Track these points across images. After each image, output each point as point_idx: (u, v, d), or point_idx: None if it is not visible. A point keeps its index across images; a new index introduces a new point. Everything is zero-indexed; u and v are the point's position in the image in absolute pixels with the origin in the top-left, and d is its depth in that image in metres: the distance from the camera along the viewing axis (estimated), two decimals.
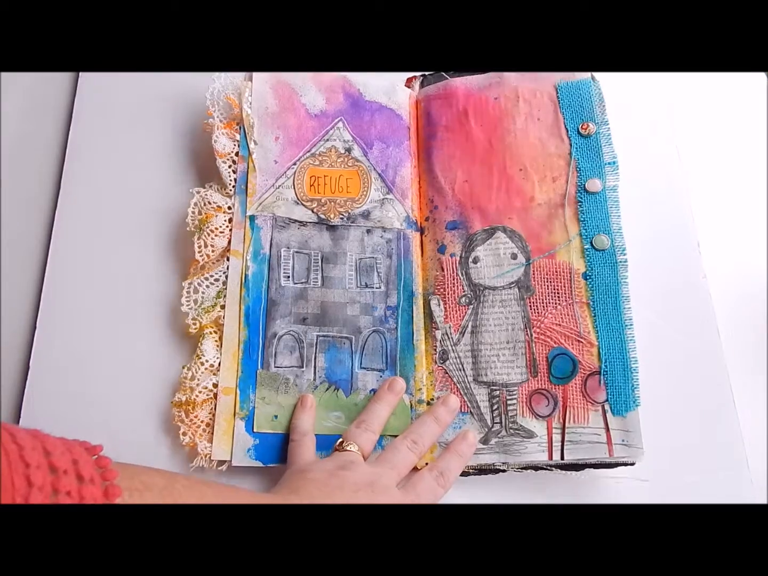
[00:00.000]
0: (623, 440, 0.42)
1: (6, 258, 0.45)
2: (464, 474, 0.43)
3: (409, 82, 0.53)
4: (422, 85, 0.52)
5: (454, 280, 0.46)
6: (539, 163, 0.48)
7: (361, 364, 0.45)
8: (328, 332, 0.45)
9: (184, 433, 0.42)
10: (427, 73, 0.52)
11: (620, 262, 0.45)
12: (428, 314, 0.46)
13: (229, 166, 0.47)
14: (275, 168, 0.48)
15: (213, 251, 0.45)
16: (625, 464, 0.42)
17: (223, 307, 0.44)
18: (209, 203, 0.46)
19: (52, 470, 0.24)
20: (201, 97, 0.49)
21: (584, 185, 0.47)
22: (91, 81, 0.53)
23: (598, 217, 0.46)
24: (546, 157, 0.48)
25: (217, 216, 0.45)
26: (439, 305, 0.46)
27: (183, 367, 0.43)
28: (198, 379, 0.43)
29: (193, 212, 0.45)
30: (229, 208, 0.46)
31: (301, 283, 0.46)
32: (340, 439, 0.41)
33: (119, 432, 0.42)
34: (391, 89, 0.52)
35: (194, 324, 0.44)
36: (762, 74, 0.56)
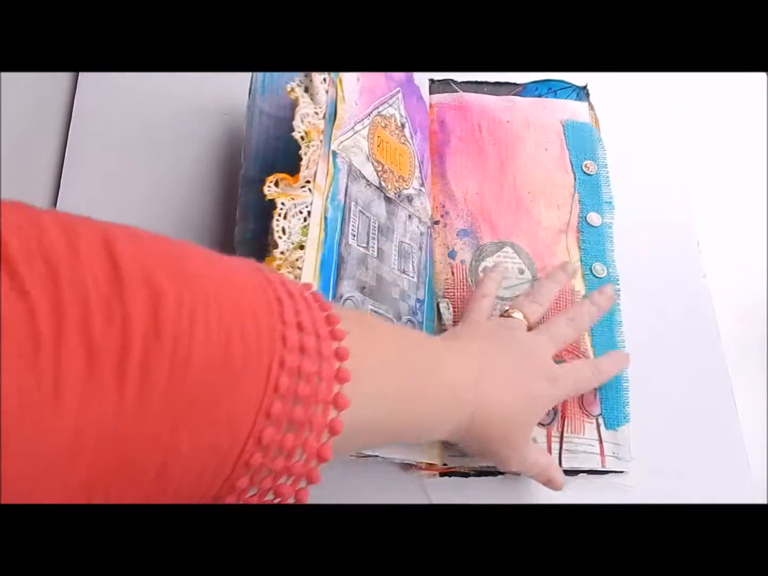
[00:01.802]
0: (614, 453, 0.43)
1: None
2: (464, 475, 0.43)
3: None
4: (430, 90, 0.53)
5: (463, 286, 0.47)
6: (546, 189, 0.50)
7: None
8: (378, 308, 0.42)
9: None
10: (435, 78, 0.53)
11: (616, 290, 0.47)
12: (438, 316, 0.46)
13: (321, 83, 0.41)
14: (356, 110, 0.44)
15: (304, 177, 0.39)
16: (615, 472, 0.43)
17: (302, 247, 0.38)
18: (309, 115, 0.40)
19: (290, 295, 0.26)
20: (201, 97, 0.49)
21: (585, 217, 0.49)
22: (91, 81, 0.53)
23: (596, 248, 0.49)
24: (553, 186, 0.50)
25: (315, 138, 0.40)
26: (448, 308, 0.46)
27: None
28: None
29: (298, 118, 0.39)
30: (322, 131, 0.40)
31: (363, 247, 0.42)
32: (507, 308, 0.43)
33: None
34: (425, 83, 0.51)
35: (280, 259, 0.37)
36: (762, 74, 0.56)
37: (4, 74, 0.44)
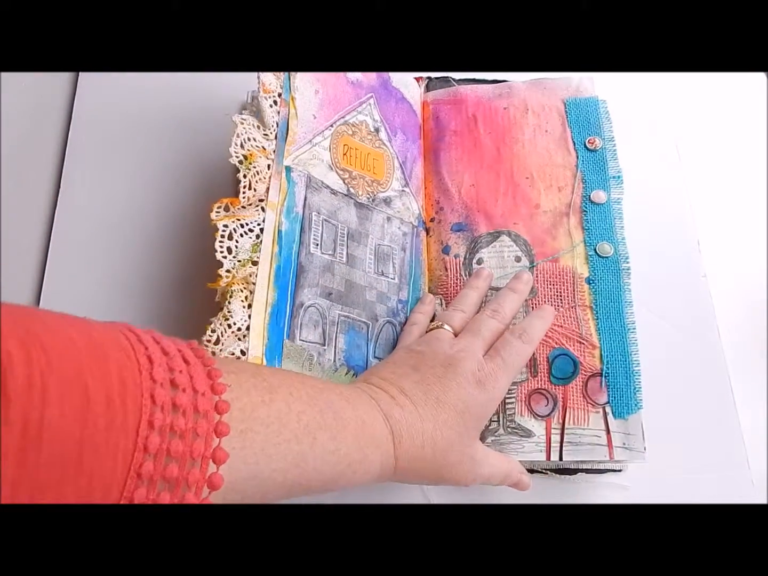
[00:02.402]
0: (624, 443, 0.41)
1: (6, 258, 0.45)
2: None
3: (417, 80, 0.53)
4: (428, 88, 0.53)
5: (457, 280, 0.46)
6: (546, 172, 0.49)
7: (374, 353, 0.43)
8: (349, 313, 0.43)
9: None
10: (432, 75, 0.53)
11: (623, 269, 0.45)
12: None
13: (271, 106, 0.43)
14: (314, 124, 0.45)
15: (254, 195, 0.40)
16: (613, 470, 0.43)
17: (255, 263, 0.39)
18: (252, 139, 0.41)
19: (164, 353, 0.26)
20: (201, 97, 0.49)
21: (589, 196, 0.47)
22: (91, 81, 0.53)
23: (602, 227, 0.47)
24: (553, 167, 0.49)
25: (260, 158, 0.41)
26: (441, 305, 0.46)
27: (206, 328, 0.38)
28: (223, 344, 0.38)
29: (236, 144, 0.40)
30: (274, 151, 0.42)
31: (329, 254, 0.43)
32: (432, 322, 0.43)
33: None
34: (409, 83, 0.51)
35: (227, 276, 0.38)
36: (762, 74, 0.56)
37: (4, 74, 0.44)
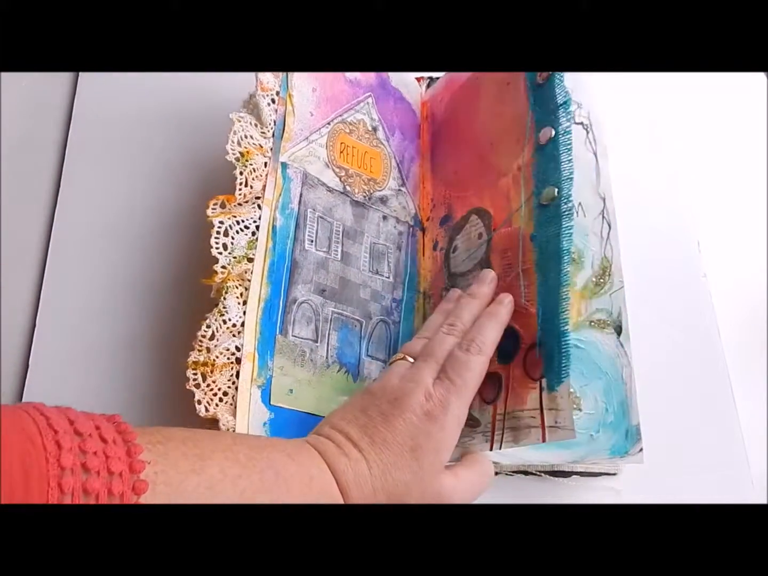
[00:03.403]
0: (556, 421, 0.36)
1: (6, 257, 0.45)
2: None
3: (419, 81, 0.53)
4: (428, 88, 0.53)
5: (439, 273, 0.46)
6: (505, 130, 0.44)
7: (367, 351, 0.44)
8: (343, 310, 0.43)
9: (199, 402, 0.36)
10: (434, 75, 0.53)
11: (564, 212, 0.39)
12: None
13: (268, 104, 0.43)
14: (310, 121, 0.45)
15: (250, 192, 0.41)
16: (608, 474, 0.42)
17: (251, 260, 0.40)
18: (249, 137, 0.42)
19: (78, 434, 0.25)
20: (201, 97, 0.49)
21: (538, 137, 0.42)
22: (91, 81, 0.53)
23: (548, 170, 0.41)
24: (511, 121, 0.44)
25: (257, 155, 0.41)
26: (429, 303, 0.46)
27: (203, 323, 0.38)
28: (218, 339, 0.38)
29: (233, 141, 0.41)
30: (270, 149, 0.43)
31: (323, 251, 0.44)
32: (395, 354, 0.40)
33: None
34: (409, 83, 0.52)
35: (223, 272, 0.38)
36: (762, 74, 0.56)
37: (4, 74, 0.44)
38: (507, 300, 0.39)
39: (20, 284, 0.47)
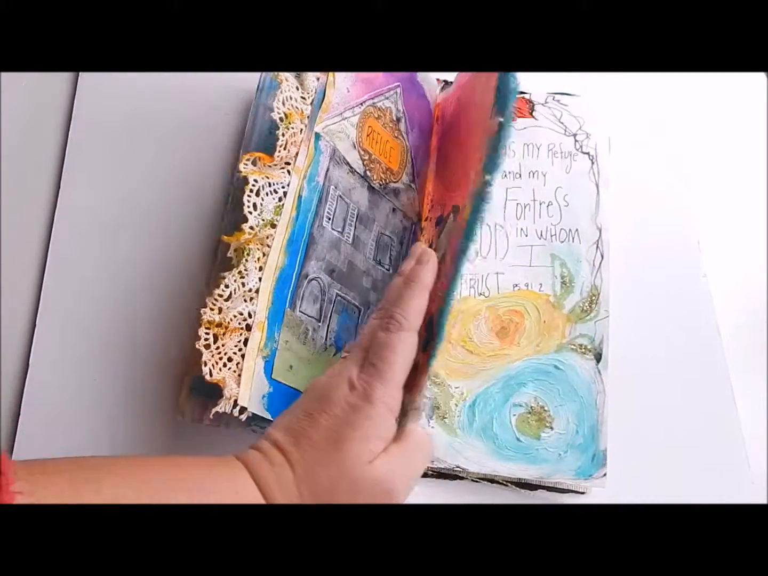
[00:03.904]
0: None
1: (6, 258, 0.45)
2: (423, 475, 0.41)
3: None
4: (443, 90, 0.52)
5: None
6: (482, 128, 0.42)
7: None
8: (346, 294, 0.43)
9: (205, 363, 0.35)
10: (448, 78, 0.52)
11: (482, 196, 0.36)
12: None
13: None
14: (346, 96, 0.45)
15: (286, 157, 0.40)
16: (576, 492, 0.43)
17: (274, 226, 0.39)
18: (293, 99, 0.41)
19: None
20: (200, 97, 0.49)
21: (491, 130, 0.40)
22: (91, 81, 0.53)
23: (489, 160, 0.37)
24: (486, 118, 0.41)
25: (297, 120, 0.41)
26: None
27: (220, 280, 0.37)
28: (233, 301, 0.37)
29: (279, 101, 0.40)
30: (308, 117, 0.42)
31: (338, 231, 0.43)
32: None
33: (119, 421, 0.42)
34: (431, 81, 0.51)
35: (250, 233, 0.37)
36: (762, 74, 0.56)
37: (4, 74, 0.44)
38: (427, 258, 0.36)
39: (20, 284, 0.47)
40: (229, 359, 0.36)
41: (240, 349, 0.37)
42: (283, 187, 0.40)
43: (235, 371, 0.36)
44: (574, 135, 0.50)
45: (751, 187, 0.53)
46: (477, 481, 0.43)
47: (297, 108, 0.41)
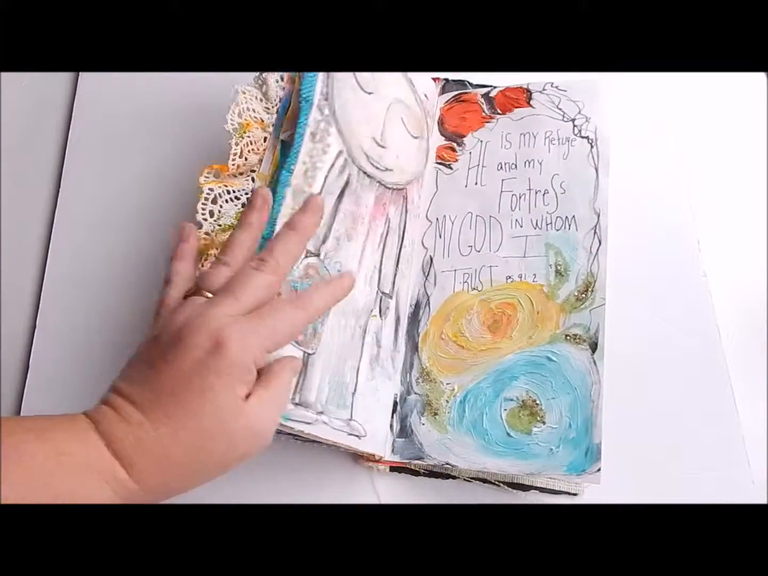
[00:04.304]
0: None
1: (6, 257, 0.45)
2: (415, 473, 0.43)
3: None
4: (443, 90, 0.52)
5: None
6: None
7: None
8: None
9: None
10: (450, 78, 0.52)
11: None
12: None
13: (276, 81, 0.43)
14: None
15: (244, 164, 0.41)
16: (568, 493, 0.42)
17: None
18: (252, 110, 0.41)
19: None
20: (201, 97, 0.49)
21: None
22: (91, 81, 0.53)
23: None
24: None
25: (257, 129, 0.41)
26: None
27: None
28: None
29: (233, 113, 0.41)
30: (272, 124, 0.42)
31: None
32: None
33: None
34: (424, 80, 0.51)
35: (206, 239, 0.38)
36: (762, 74, 0.56)
37: (4, 74, 0.44)
38: (312, 204, 0.36)
39: (21, 284, 0.47)
40: None
41: None
42: (246, 193, 0.41)
43: None
44: (573, 120, 0.49)
45: (751, 187, 0.53)
46: (469, 481, 0.43)
47: (257, 117, 0.42)
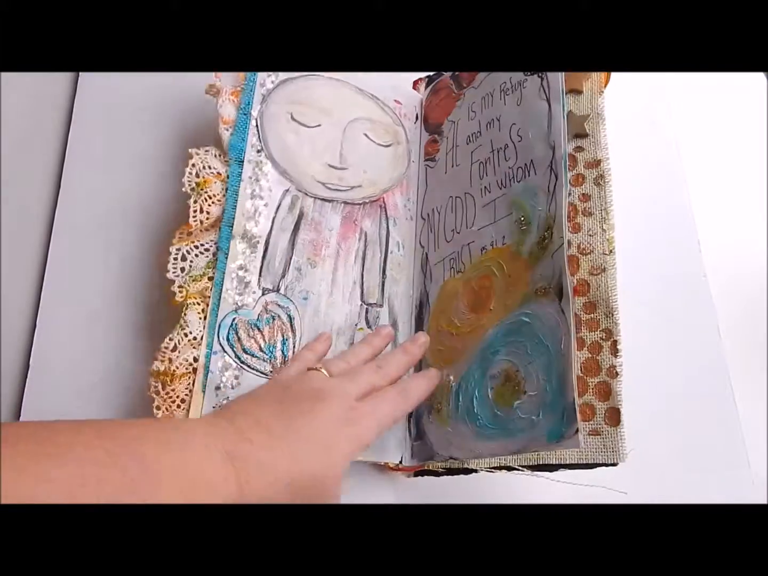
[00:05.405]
0: None
1: (6, 258, 0.45)
2: (434, 474, 0.42)
3: (416, 85, 0.53)
4: (427, 86, 0.52)
5: None
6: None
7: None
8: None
9: (158, 407, 0.39)
10: (431, 74, 0.52)
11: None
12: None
13: (227, 130, 0.45)
14: None
15: (207, 218, 0.43)
16: (605, 465, 0.36)
17: (211, 278, 0.42)
18: (208, 167, 0.44)
19: None
20: (201, 97, 0.49)
21: None
22: (91, 81, 0.53)
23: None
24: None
25: (215, 183, 0.44)
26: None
27: (167, 338, 0.41)
28: (179, 351, 0.40)
29: (191, 173, 0.43)
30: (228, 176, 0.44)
31: None
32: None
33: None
34: (405, 92, 0.52)
35: (180, 292, 0.41)
36: (762, 74, 0.56)
37: (4, 74, 0.44)
38: (437, 372, 0.42)
39: (21, 284, 0.47)
40: (182, 401, 0.40)
41: (190, 391, 0.40)
42: (214, 242, 0.43)
43: (186, 410, 0.40)
44: None
45: (751, 187, 0.53)
46: (492, 471, 0.40)
47: (214, 172, 0.44)
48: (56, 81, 0.52)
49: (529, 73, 0.44)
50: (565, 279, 0.37)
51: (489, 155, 0.44)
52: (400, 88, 0.51)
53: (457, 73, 0.50)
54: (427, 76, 0.52)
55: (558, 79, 0.42)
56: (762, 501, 0.43)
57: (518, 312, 0.39)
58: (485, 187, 0.44)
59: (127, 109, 0.52)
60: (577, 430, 0.34)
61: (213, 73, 0.48)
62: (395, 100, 0.51)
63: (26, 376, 0.45)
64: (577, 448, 0.35)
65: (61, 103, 0.52)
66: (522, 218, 0.41)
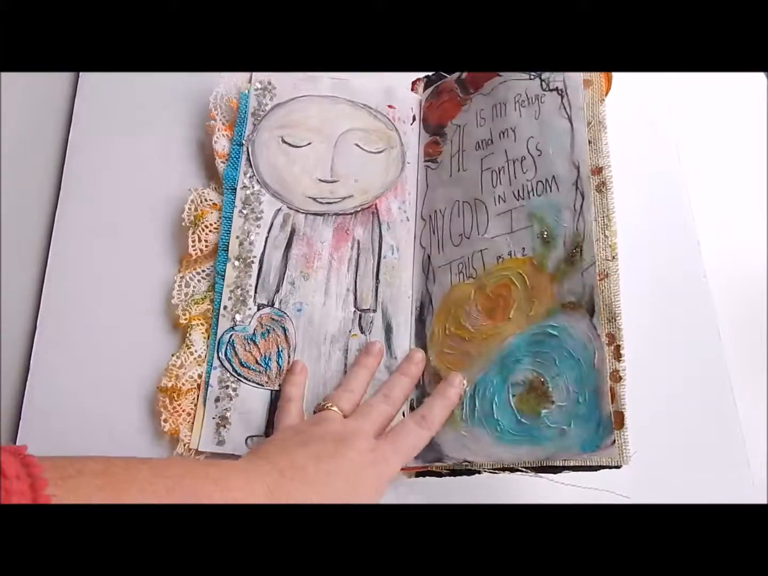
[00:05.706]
0: None
1: (6, 258, 0.45)
2: (437, 475, 0.42)
3: (414, 85, 0.53)
4: (426, 87, 0.52)
5: None
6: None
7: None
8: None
9: (165, 420, 0.42)
10: (430, 74, 0.52)
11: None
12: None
13: (223, 163, 0.48)
14: None
15: (206, 246, 0.46)
16: (609, 467, 0.37)
17: (212, 300, 0.45)
18: (205, 200, 0.47)
19: None
20: (201, 97, 0.49)
21: None
22: (91, 81, 0.53)
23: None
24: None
25: (212, 213, 0.47)
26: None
27: (172, 355, 0.44)
28: (185, 368, 0.44)
29: (189, 209, 0.46)
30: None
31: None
32: (321, 402, 0.42)
33: (116, 425, 0.42)
34: (402, 98, 0.52)
35: (184, 315, 0.45)
36: (762, 74, 0.56)
37: (4, 74, 0.44)
38: (456, 382, 0.42)
39: (21, 285, 0.47)
40: (189, 414, 0.43)
41: (196, 405, 0.44)
42: (210, 268, 0.46)
43: (191, 422, 0.43)
44: (539, 75, 0.45)
45: (751, 187, 0.53)
46: (495, 473, 0.40)
47: (210, 203, 0.47)
48: (56, 81, 0.52)
49: (546, 89, 0.45)
50: (597, 296, 0.39)
51: (503, 165, 0.45)
52: (394, 92, 0.51)
53: (462, 77, 0.50)
54: (426, 77, 0.52)
55: (579, 97, 0.43)
56: (762, 501, 0.43)
57: (543, 324, 0.40)
58: (499, 196, 0.45)
59: (127, 110, 0.52)
60: (614, 441, 0.36)
61: (213, 73, 0.49)
62: (388, 105, 0.51)
63: (26, 377, 0.45)
64: (613, 457, 0.37)
65: (61, 103, 0.52)
66: (545, 233, 0.42)
